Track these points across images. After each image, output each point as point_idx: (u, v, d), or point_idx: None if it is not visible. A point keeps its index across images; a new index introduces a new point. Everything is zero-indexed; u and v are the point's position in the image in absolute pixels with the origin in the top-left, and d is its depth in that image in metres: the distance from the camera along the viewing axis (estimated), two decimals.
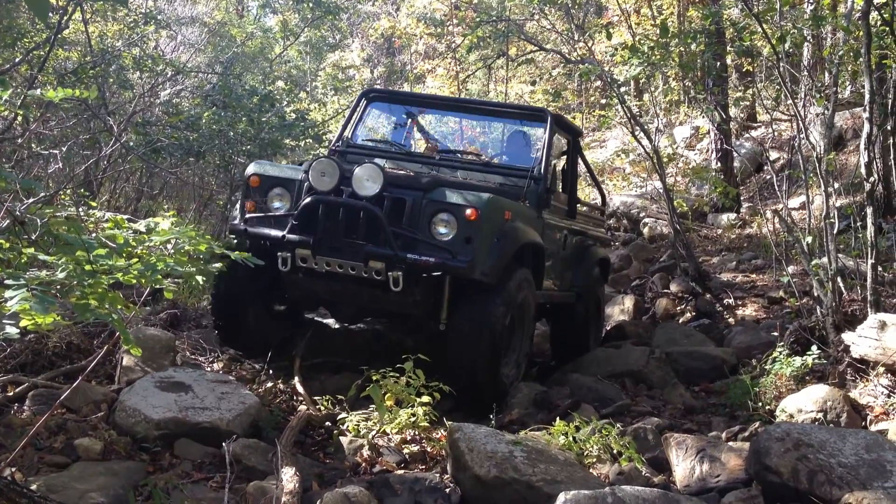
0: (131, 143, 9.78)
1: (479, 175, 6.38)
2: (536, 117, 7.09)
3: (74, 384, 4.16)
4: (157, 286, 3.29)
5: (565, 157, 7.26)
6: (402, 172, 6.02)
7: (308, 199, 5.37)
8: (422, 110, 7.96)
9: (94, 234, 3.48)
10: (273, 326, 6.17)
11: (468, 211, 5.20)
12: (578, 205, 7.39)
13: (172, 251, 3.43)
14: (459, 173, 6.36)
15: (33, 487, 3.54)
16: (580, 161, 7.70)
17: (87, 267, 2.94)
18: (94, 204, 5.67)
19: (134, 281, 3.12)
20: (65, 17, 8.07)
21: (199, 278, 3.48)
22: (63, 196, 5.36)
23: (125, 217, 3.98)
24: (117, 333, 4.59)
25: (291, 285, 5.75)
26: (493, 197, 5.40)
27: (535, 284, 6.01)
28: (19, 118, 7.95)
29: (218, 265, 3.73)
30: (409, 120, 7.45)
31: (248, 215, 5.59)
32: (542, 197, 6.31)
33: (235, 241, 5.50)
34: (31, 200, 4.34)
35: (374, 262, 5.24)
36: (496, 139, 7.99)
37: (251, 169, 5.79)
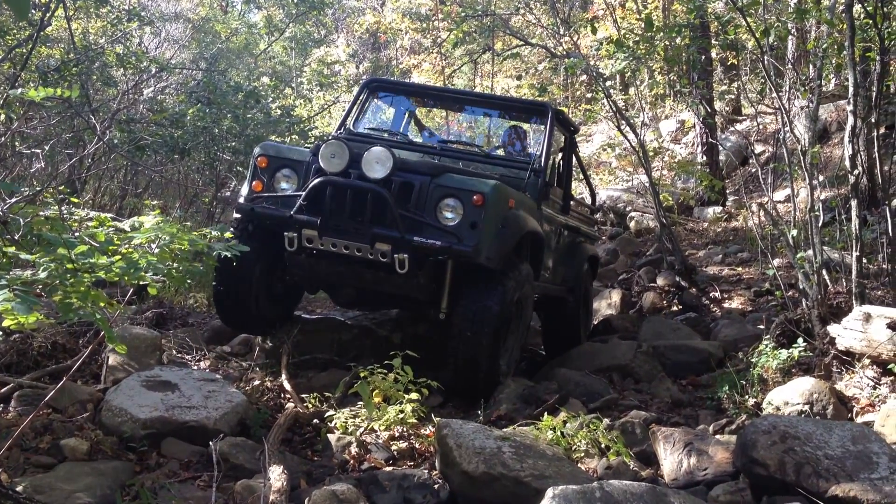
0: (115, 141, 9.73)
1: (481, 166, 6.41)
2: (538, 111, 7.12)
3: (60, 384, 4.13)
4: (141, 282, 3.27)
5: (561, 153, 7.29)
6: (411, 157, 6.05)
7: (317, 180, 5.40)
8: (423, 101, 8.00)
9: (76, 233, 3.45)
10: (272, 306, 6.20)
11: (474, 196, 5.27)
12: (572, 202, 7.43)
13: (156, 249, 3.41)
14: (461, 164, 6.38)
15: (19, 488, 3.51)
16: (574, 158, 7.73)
17: (69, 265, 2.91)
18: (76, 201, 5.62)
19: (117, 278, 3.11)
20: (47, 15, 8.01)
21: (184, 273, 3.47)
22: (46, 195, 5.32)
23: (109, 216, 3.95)
24: (102, 332, 4.57)
25: (295, 266, 5.76)
26: (498, 184, 5.46)
27: (534, 275, 6.06)
28: (2, 117, 7.88)
29: (199, 265, 3.72)
30: (409, 111, 7.51)
31: (254, 195, 5.62)
32: (542, 190, 6.37)
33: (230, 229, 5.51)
34: (13, 200, 4.30)
35: (381, 244, 5.30)
36: (495, 132, 8.04)
37: (259, 150, 5.82)
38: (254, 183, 5.68)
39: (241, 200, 5.72)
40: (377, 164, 5.30)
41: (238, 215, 5.77)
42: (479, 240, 5.23)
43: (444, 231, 5.28)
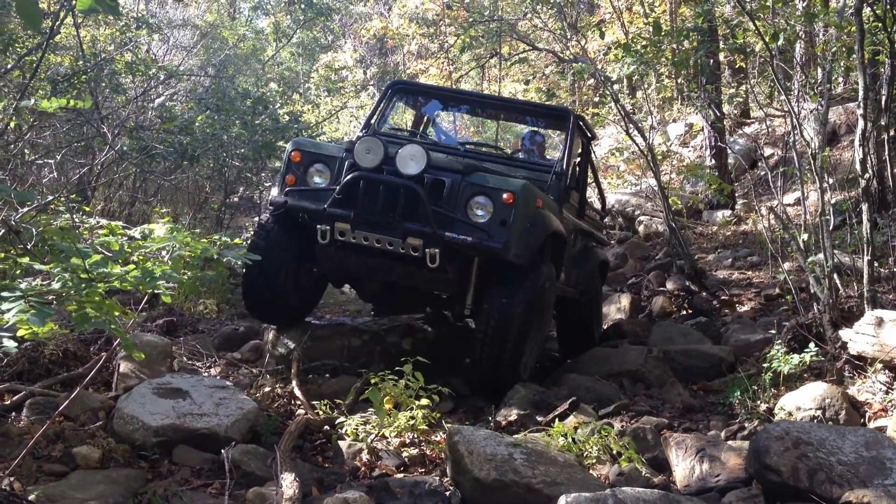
0: (125, 149, 9.75)
1: (503, 168, 6.46)
2: (560, 117, 7.17)
3: (74, 393, 4.13)
4: (156, 291, 3.28)
5: (578, 158, 7.32)
6: (442, 156, 6.14)
7: (352, 175, 5.48)
8: (445, 104, 8.06)
9: (89, 242, 3.46)
10: (299, 298, 6.28)
11: (505, 195, 5.35)
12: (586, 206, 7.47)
13: (168, 258, 3.42)
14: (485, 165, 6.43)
15: (32, 497, 3.52)
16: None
17: (83, 275, 2.92)
18: (87, 209, 5.64)
19: (131, 287, 3.11)
20: (56, 23, 8.03)
21: (196, 280, 3.49)
22: (58, 203, 5.33)
23: (120, 224, 3.97)
24: (115, 341, 4.58)
25: (325, 259, 5.83)
26: (527, 184, 5.55)
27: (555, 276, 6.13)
28: (12, 124, 7.91)
29: (210, 272, 3.75)
30: (428, 114, 7.58)
31: (288, 188, 5.71)
32: (564, 193, 6.46)
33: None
34: (25, 209, 4.32)
35: (413, 239, 5.39)
36: (503, 135, 8.11)
37: (292, 145, 5.92)
38: (287, 177, 5.77)
39: (275, 193, 5.82)
40: (412, 160, 5.39)
41: (271, 208, 5.86)
42: (509, 237, 5.31)
43: (475, 227, 5.37)
